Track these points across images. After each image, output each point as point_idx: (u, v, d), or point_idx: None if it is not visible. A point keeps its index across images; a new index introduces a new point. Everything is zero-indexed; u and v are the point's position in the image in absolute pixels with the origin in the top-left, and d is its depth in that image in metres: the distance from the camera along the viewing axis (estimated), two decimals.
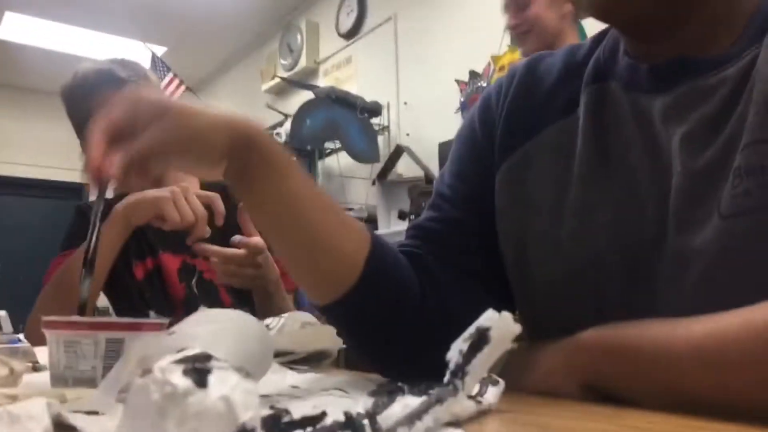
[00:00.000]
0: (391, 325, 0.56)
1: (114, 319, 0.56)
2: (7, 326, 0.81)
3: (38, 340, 0.62)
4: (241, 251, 1.07)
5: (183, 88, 3.90)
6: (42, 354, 0.61)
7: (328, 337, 0.67)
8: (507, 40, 2.82)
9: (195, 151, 0.51)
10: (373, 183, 3.22)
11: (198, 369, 0.24)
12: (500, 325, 0.34)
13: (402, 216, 2.87)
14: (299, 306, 1.26)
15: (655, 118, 0.51)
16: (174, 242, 1.25)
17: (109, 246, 1.03)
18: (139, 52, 4.19)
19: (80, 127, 1.22)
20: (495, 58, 2.74)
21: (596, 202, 0.53)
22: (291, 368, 0.64)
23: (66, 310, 0.57)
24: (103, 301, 1.28)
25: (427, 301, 0.57)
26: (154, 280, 1.24)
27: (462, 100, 2.93)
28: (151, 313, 1.19)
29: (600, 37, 0.62)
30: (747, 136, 0.44)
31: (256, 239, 1.07)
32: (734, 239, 0.43)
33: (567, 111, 0.58)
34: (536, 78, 0.63)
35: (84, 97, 1.17)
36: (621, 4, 0.51)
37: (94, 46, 4.54)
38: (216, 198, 1.05)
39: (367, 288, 0.54)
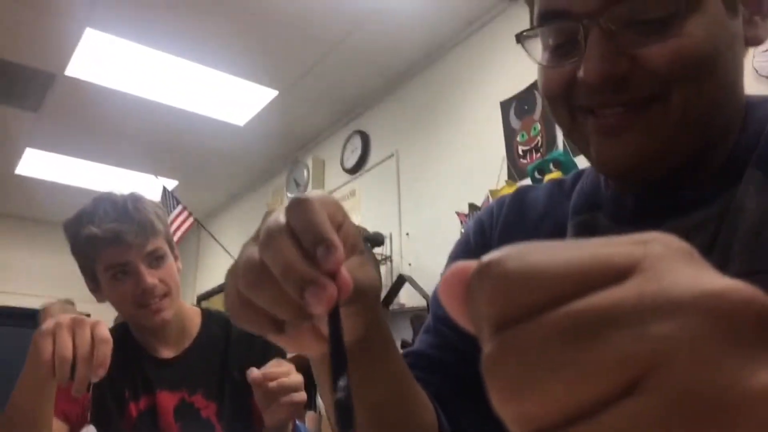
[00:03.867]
0: None
1: None
2: None
3: None
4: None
5: (191, 220, 4.01)
6: None
7: None
8: (504, 175, 2.94)
9: (369, 299, 0.41)
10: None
11: None
12: None
13: (404, 346, 2.82)
14: None
15: None
16: (173, 378, 1.22)
17: (32, 383, 0.91)
18: (151, 185, 4.37)
19: (85, 271, 1.22)
20: (493, 192, 2.84)
21: None
22: None
23: None
24: None
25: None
26: (147, 420, 1.20)
27: (462, 231, 2.99)
28: None
29: (581, 172, 0.65)
30: (734, 268, 0.46)
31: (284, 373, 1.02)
32: None
33: (554, 239, 0.60)
34: (524, 208, 0.66)
35: (88, 254, 1.18)
36: (649, 173, 0.51)
37: (109, 180, 4.74)
38: (103, 343, 0.87)
39: None
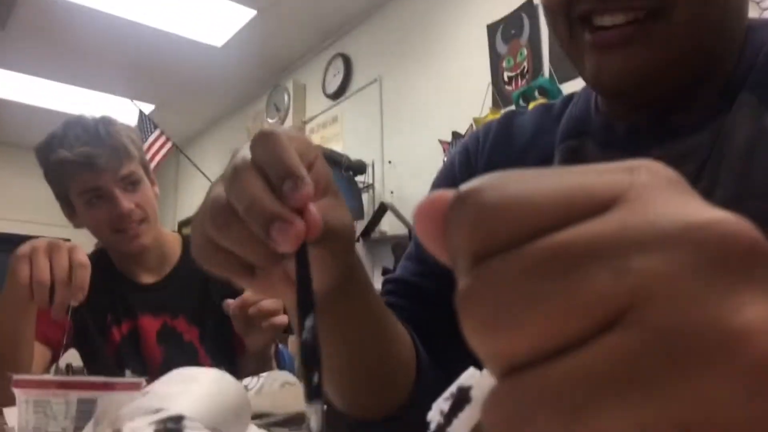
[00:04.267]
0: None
1: (86, 378, 0.54)
2: None
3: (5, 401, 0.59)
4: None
5: (169, 145, 3.92)
6: (12, 415, 0.59)
7: None
8: (489, 102, 2.90)
9: (343, 242, 0.39)
10: (357, 240, 3.23)
11: (170, 430, 0.23)
12: (482, 383, 0.33)
13: (385, 273, 2.86)
14: (281, 366, 1.23)
15: None
16: (154, 303, 1.23)
17: (11, 307, 0.91)
18: (127, 110, 4.24)
19: (60, 196, 1.20)
20: (477, 120, 2.81)
21: None
22: (270, 431, 0.62)
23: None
24: (78, 360, 1.25)
25: (429, 366, 0.56)
26: (130, 344, 1.21)
27: (445, 159, 2.98)
28: (127, 373, 1.16)
29: (570, 96, 0.64)
30: (721, 193, 0.45)
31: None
32: None
33: (541, 167, 0.59)
34: (511, 134, 0.64)
35: (60, 179, 1.16)
36: (648, 90, 0.50)
37: (82, 102, 4.59)
38: (81, 267, 0.87)
39: (416, 406, 0.52)
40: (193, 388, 0.44)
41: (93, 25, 3.69)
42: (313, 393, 0.26)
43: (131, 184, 1.16)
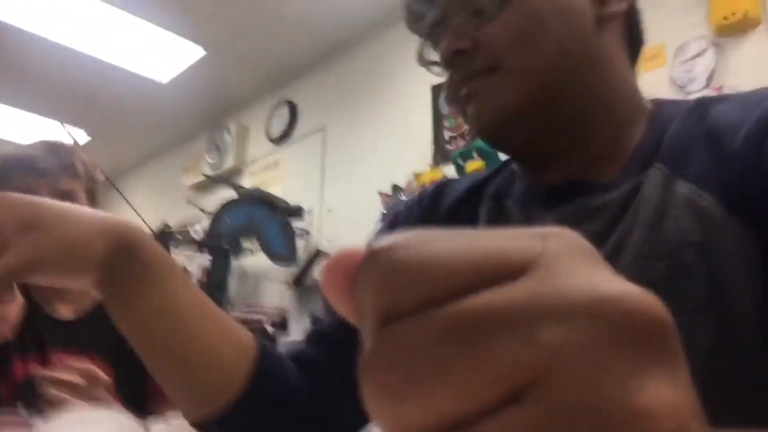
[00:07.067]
0: None
1: None
2: None
3: None
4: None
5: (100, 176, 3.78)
6: None
7: None
8: (429, 159, 2.97)
9: (68, 265, 0.47)
10: (290, 287, 3.17)
11: None
12: None
13: (315, 321, 2.81)
14: None
15: None
16: (69, 339, 1.14)
17: None
18: (57, 134, 4.07)
19: None
20: (417, 176, 2.85)
21: None
22: None
23: None
24: None
25: (318, 410, 0.56)
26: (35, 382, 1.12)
27: (383, 211, 3.00)
28: (21, 410, 1.06)
29: (500, 167, 0.68)
30: (631, 252, 0.48)
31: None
32: None
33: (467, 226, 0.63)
34: (443, 199, 0.68)
35: None
36: (504, 133, 0.56)
37: (7, 122, 4.38)
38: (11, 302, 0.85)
39: (250, 402, 0.51)
40: (86, 430, 0.40)
41: (36, 52, 3.57)
42: None
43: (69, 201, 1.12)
